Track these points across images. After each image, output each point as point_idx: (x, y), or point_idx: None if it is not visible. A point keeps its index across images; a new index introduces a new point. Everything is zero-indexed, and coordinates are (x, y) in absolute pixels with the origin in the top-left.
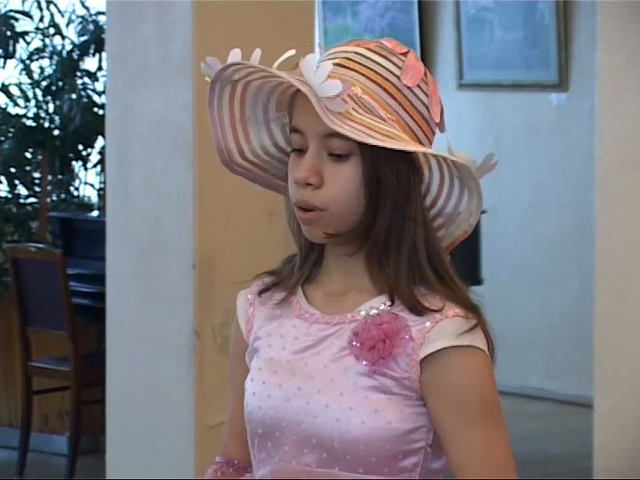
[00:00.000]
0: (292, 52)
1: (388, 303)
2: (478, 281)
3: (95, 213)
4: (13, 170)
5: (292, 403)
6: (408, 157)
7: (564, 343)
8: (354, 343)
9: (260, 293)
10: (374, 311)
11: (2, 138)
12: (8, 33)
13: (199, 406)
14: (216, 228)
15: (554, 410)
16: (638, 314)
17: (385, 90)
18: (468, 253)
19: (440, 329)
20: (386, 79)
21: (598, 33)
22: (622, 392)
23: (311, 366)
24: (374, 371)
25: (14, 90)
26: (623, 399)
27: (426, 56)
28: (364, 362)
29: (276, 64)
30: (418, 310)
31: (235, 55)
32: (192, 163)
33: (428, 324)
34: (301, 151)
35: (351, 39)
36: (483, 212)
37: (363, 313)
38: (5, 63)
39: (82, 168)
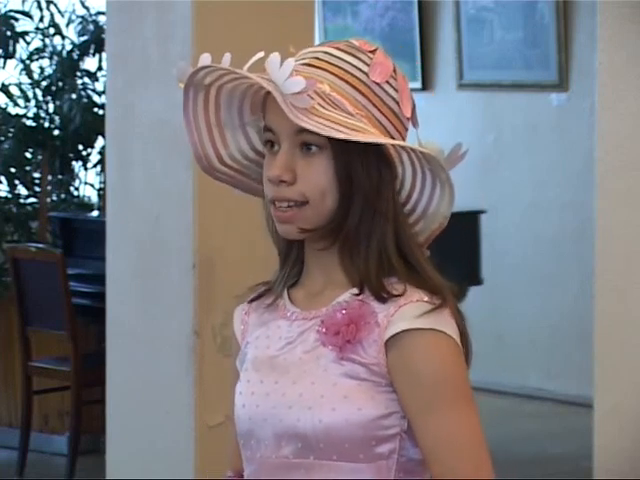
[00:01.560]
0: (261, 54)
1: (357, 292)
2: (478, 281)
3: (95, 213)
4: (13, 170)
5: (270, 397)
6: (379, 152)
7: (564, 343)
8: (320, 329)
9: (252, 301)
10: (345, 300)
11: (2, 138)
12: (8, 33)
13: (199, 406)
14: (216, 228)
15: (554, 410)
16: (638, 314)
17: (353, 87)
18: (468, 253)
19: (402, 313)
20: (354, 76)
21: (598, 33)
22: (622, 392)
23: (288, 360)
24: (342, 357)
25: (14, 90)
26: (623, 399)
27: (426, 56)
28: (330, 347)
29: (246, 67)
30: (384, 298)
31: (205, 59)
32: (192, 163)
33: (392, 309)
34: (273, 146)
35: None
36: (483, 212)
37: (335, 304)
38: (5, 63)
39: (82, 168)
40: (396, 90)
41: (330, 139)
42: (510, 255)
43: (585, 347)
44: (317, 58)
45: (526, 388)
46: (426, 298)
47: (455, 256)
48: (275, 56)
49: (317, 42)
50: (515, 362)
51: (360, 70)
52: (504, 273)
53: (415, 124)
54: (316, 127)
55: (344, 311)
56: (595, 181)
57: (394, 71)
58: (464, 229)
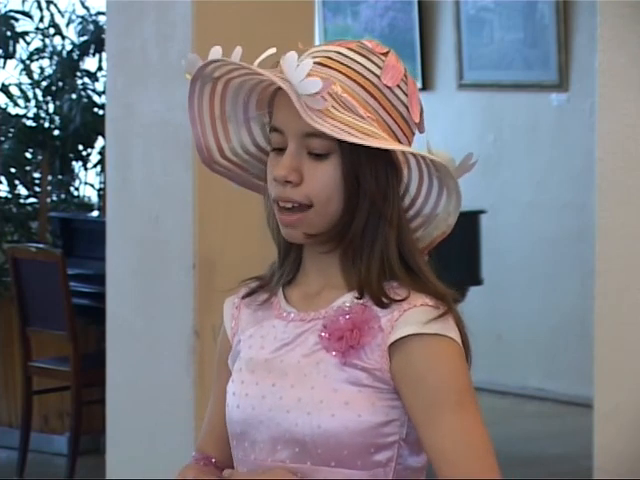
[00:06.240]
0: (273, 50)
1: (358, 297)
2: (478, 281)
3: (95, 213)
4: (13, 170)
5: (267, 400)
6: (387, 156)
7: (564, 343)
8: (323, 334)
9: (245, 297)
10: (347, 304)
11: (2, 138)
12: (8, 33)
13: (199, 406)
14: (216, 228)
15: (554, 410)
16: (638, 314)
17: (365, 89)
18: (468, 253)
19: (407, 317)
20: (366, 78)
21: (598, 33)
22: (622, 392)
23: (285, 362)
24: (344, 362)
25: (14, 90)
26: (623, 399)
27: (426, 56)
28: (333, 352)
29: (257, 62)
30: (385, 303)
31: (216, 52)
32: (192, 163)
33: (396, 313)
34: (281, 150)
35: (350, 39)
36: (483, 212)
37: (335, 308)
38: (5, 63)
39: (82, 168)
40: (406, 94)
41: (339, 143)
42: (510, 255)
43: (585, 347)
44: (329, 58)
45: (526, 388)
46: (430, 302)
47: (455, 256)
48: (292, 55)
49: (317, 42)
50: (515, 362)
51: (372, 72)
52: (504, 273)
53: (422, 129)
54: (330, 130)
55: (347, 316)
56: (595, 181)
57: (405, 75)
58: (464, 229)
